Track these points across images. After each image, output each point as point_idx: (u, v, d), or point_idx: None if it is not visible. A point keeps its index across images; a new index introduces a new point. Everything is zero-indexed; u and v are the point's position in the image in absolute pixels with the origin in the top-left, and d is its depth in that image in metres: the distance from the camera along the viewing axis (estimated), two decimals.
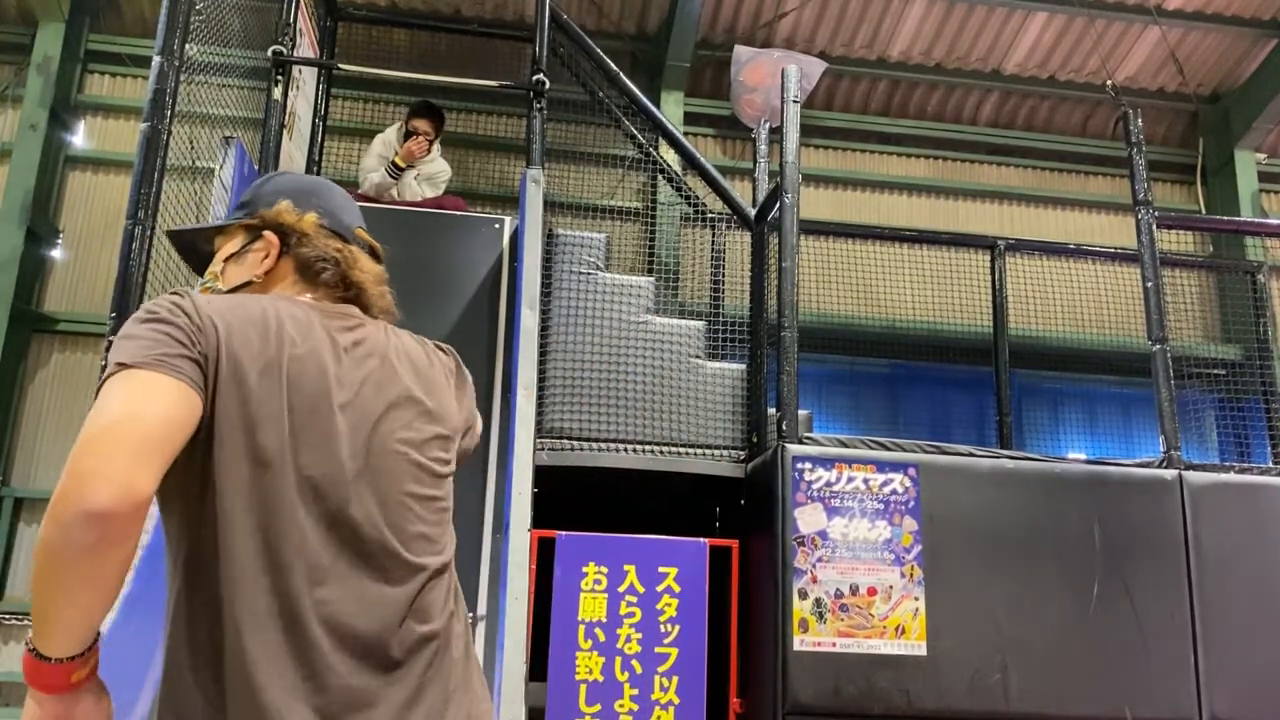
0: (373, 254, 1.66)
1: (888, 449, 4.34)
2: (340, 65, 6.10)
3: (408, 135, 5.75)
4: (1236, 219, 8.65)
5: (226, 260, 1.58)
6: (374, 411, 1.43)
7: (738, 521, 4.69)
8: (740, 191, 5.84)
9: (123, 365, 1.24)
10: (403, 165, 5.67)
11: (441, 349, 1.71)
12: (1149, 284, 4.86)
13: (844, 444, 4.37)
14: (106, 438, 1.15)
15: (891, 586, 4.09)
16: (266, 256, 1.56)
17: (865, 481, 4.22)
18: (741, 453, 4.90)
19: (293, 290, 1.55)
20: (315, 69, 6.14)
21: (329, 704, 1.26)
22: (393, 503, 1.40)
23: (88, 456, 1.14)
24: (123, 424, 1.17)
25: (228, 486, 1.29)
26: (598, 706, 4.09)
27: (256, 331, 1.35)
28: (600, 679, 4.12)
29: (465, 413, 1.65)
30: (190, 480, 1.30)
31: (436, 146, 5.89)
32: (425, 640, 1.37)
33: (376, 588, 1.34)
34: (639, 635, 4.24)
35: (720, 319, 5.50)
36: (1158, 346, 4.76)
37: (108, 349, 3.21)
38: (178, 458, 1.24)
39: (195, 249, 1.68)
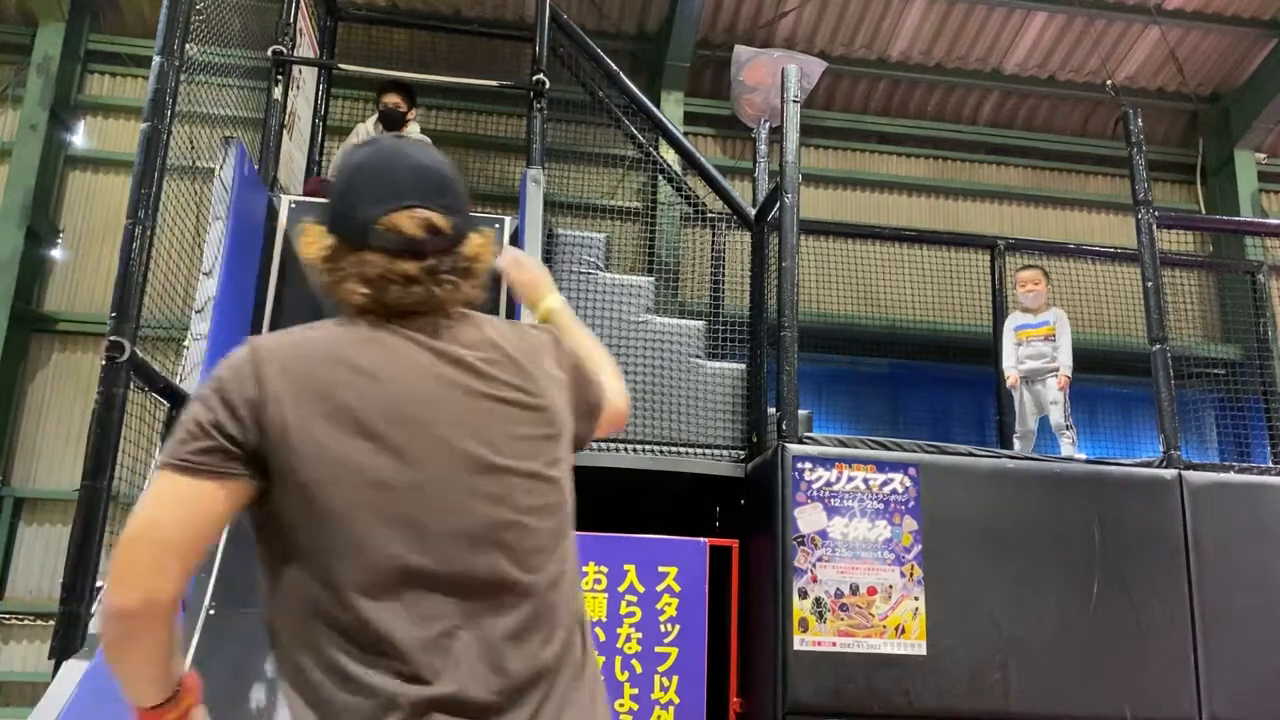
0: (407, 246, 1.38)
1: (888, 449, 4.34)
2: (340, 65, 6.10)
3: (381, 115, 5.71)
4: (1236, 219, 8.66)
5: None
6: (457, 426, 1.35)
7: (738, 521, 4.69)
8: (740, 191, 5.84)
9: (160, 464, 1.31)
10: None
11: (537, 331, 1.55)
12: (1149, 284, 4.86)
13: (844, 444, 4.37)
14: (132, 545, 1.27)
15: (891, 586, 4.09)
16: None
17: (865, 481, 4.22)
18: (741, 452, 4.90)
19: (349, 316, 1.43)
20: (315, 69, 6.14)
21: None
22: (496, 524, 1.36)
23: (118, 560, 1.26)
24: (145, 532, 1.27)
25: (305, 549, 1.29)
26: None
27: (321, 378, 1.32)
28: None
29: (568, 397, 1.51)
30: (270, 547, 1.34)
31: (415, 127, 5.85)
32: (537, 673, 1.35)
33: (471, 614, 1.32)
34: (639, 635, 4.24)
35: (720, 319, 5.50)
36: (1158, 346, 4.76)
37: (111, 350, 3.21)
38: (262, 531, 1.33)
39: None
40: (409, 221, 1.37)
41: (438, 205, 1.40)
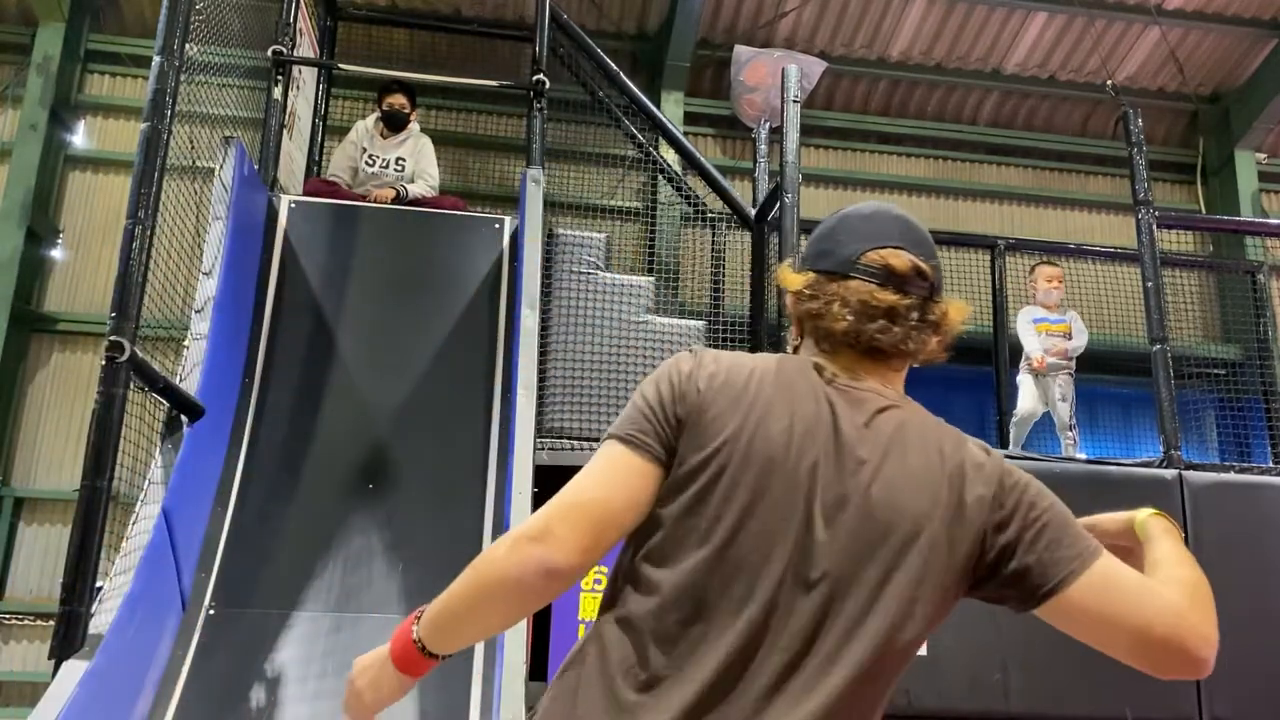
0: (891, 279, 1.38)
1: None
2: (340, 65, 6.10)
3: (384, 116, 5.73)
4: (1236, 219, 8.66)
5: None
6: (817, 506, 1.28)
7: None
8: (740, 191, 5.84)
9: (609, 436, 1.38)
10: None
11: (973, 451, 1.38)
12: (1149, 284, 4.86)
13: None
14: (563, 506, 1.31)
15: None
16: (796, 327, 1.49)
17: None
18: None
19: (815, 354, 1.42)
20: (315, 69, 6.14)
21: None
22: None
23: (548, 516, 1.30)
24: (575, 498, 1.32)
25: (664, 552, 1.32)
26: None
27: (732, 399, 1.33)
28: None
29: (958, 538, 1.30)
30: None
31: (415, 125, 5.87)
32: None
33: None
34: None
35: (720, 319, 5.50)
36: (1158, 346, 4.76)
37: (111, 350, 3.21)
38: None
39: None
40: (896, 259, 1.40)
41: (921, 254, 1.43)
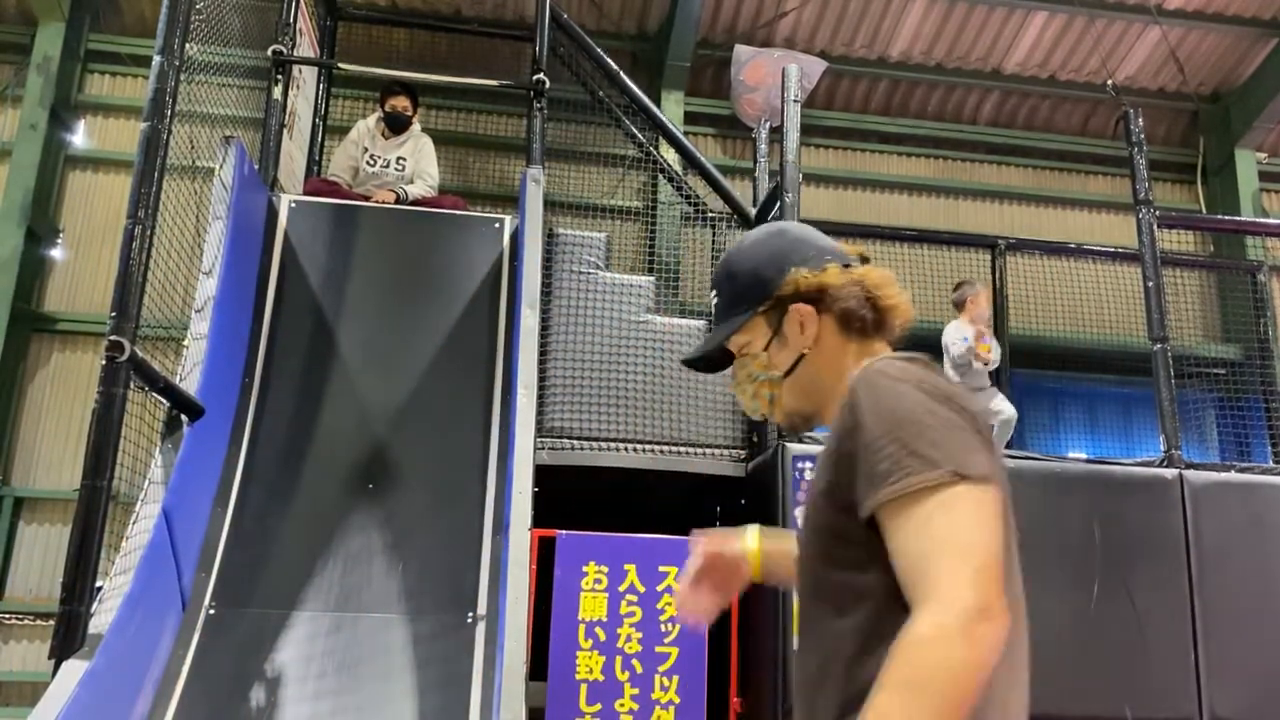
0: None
1: None
2: (340, 65, 6.10)
3: (387, 118, 5.73)
4: (1237, 218, 8.66)
5: (767, 348, 1.52)
6: None
7: (738, 521, 4.68)
8: (740, 191, 5.84)
9: (965, 477, 1.23)
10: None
11: None
12: (1149, 284, 4.86)
13: None
14: (986, 570, 1.19)
15: None
16: (803, 326, 1.48)
17: None
18: (742, 452, 4.90)
19: (853, 348, 1.48)
20: (315, 69, 6.14)
21: None
22: None
23: (985, 587, 1.18)
24: (993, 559, 1.21)
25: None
26: (598, 706, 4.08)
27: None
28: (600, 678, 4.12)
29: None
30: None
31: (416, 125, 5.87)
32: None
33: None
34: (639, 635, 4.23)
35: None
36: (1158, 346, 4.76)
37: (111, 349, 3.20)
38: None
39: (712, 360, 1.66)
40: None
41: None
